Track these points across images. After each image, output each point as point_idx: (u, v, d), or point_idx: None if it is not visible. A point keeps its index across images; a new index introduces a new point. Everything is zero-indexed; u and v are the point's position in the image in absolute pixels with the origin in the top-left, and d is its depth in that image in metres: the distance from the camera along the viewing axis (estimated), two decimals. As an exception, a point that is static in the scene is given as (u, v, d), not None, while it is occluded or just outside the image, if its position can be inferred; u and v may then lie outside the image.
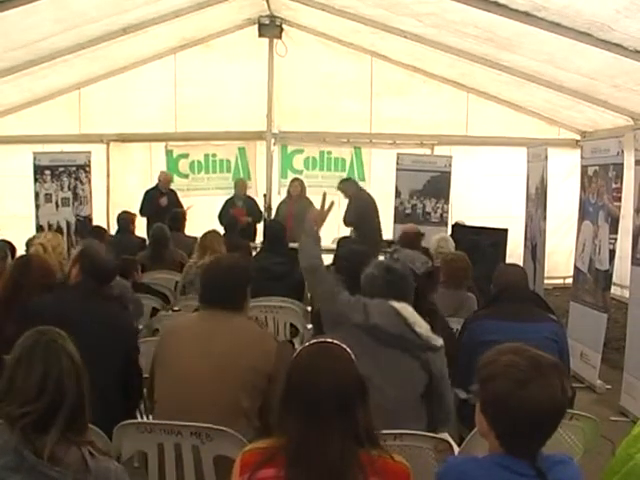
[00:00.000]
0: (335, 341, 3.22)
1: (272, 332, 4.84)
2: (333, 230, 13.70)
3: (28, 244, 8.80)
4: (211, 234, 8.83)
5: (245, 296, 4.70)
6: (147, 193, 13.86)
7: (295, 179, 14.59)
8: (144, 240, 10.43)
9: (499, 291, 5.79)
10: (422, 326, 4.66)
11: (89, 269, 4.90)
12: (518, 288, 5.77)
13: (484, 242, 11.27)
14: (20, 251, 8.74)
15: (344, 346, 3.21)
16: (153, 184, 14.03)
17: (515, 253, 12.50)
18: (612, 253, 9.43)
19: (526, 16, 8.82)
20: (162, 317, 7.48)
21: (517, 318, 5.40)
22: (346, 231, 11.74)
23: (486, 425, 2.96)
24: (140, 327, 7.56)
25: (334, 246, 10.12)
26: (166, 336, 4.72)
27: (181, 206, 13.55)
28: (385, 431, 3.63)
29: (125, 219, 11.30)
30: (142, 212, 13.07)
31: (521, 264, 12.10)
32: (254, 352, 4.36)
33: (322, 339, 3.26)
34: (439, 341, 4.67)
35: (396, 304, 4.69)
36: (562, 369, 2.93)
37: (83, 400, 2.99)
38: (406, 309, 4.69)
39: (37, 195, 13.80)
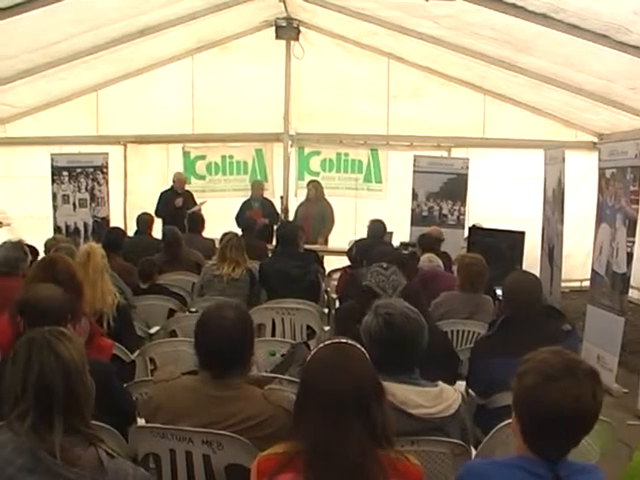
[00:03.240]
0: (350, 341, 3.20)
1: (284, 398, 4.02)
2: (349, 232, 13.72)
3: (47, 245, 8.85)
4: (233, 241, 8.71)
5: (252, 353, 4.11)
6: (162, 194, 13.90)
7: (310, 182, 14.66)
8: (161, 241, 10.42)
9: (511, 313, 5.48)
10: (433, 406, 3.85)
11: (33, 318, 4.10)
12: (531, 307, 5.45)
13: (501, 244, 11.23)
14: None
15: (359, 346, 3.20)
16: (170, 185, 14.04)
17: (532, 256, 12.46)
18: (630, 256, 9.37)
19: (543, 18, 8.80)
20: (179, 318, 7.50)
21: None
22: (362, 234, 11.68)
23: (515, 421, 2.95)
24: (154, 330, 7.60)
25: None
26: (159, 409, 3.98)
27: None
28: (403, 437, 3.62)
29: (144, 220, 11.30)
30: (157, 213, 13.06)
31: (538, 267, 12.13)
32: (261, 434, 3.80)
33: (336, 339, 3.23)
34: (449, 411, 3.86)
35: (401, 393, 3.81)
36: (599, 377, 2.87)
37: (77, 397, 2.97)
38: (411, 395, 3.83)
39: (54, 196, 13.86)
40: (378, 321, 3.98)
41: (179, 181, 14.07)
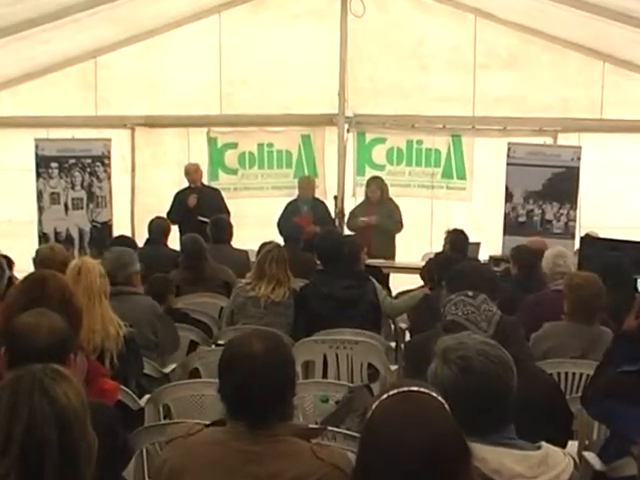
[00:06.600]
0: (422, 388, 3.13)
1: (339, 454, 3.92)
2: (423, 244, 13.70)
3: (40, 256, 8.80)
4: (274, 254, 8.73)
5: (294, 393, 4.00)
6: (177, 194, 13.99)
7: (373, 179, 14.51)
8: (179, 254, 10.45)
9: None
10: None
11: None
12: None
13: (624, 260, 11.15)
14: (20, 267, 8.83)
15: (434, 394, 3.12)
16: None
17: (666, 275, 12.39)
18: None
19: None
20: (203, 353, 7.51)
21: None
22: (439, 246, 11.63)
23: None
24: (170, 369, 7.61)
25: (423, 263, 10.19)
26: (177, 474, 3.86)
27: (225, 209, 13.63)
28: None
29: (158, 226, 11.40)
30: (169, 216, 13.09)
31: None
32: None
33: (405, 387, 3.14)
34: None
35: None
36: None
37: (75, 455, 2.95)
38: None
39: (40, 195, 13.95)
40: (451, 369, 3.79)
41: (188, 172, 14.09)
